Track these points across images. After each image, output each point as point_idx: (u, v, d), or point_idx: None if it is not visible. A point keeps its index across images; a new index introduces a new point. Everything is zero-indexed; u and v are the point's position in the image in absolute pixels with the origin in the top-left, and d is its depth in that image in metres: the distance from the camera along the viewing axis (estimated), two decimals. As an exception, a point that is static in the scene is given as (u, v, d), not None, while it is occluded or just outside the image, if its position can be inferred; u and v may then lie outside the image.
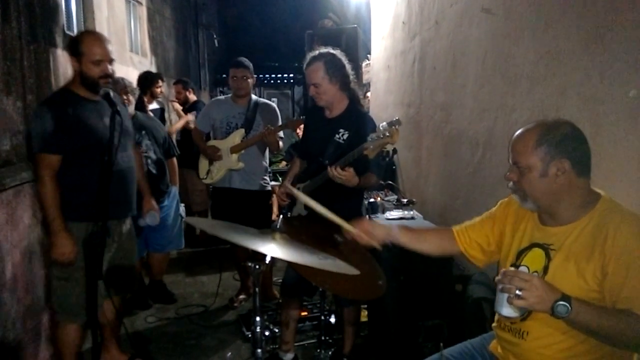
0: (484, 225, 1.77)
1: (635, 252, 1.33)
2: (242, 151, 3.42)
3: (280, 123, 3.53)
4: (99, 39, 2.41)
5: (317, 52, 2.60)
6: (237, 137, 3.42)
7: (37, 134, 2.30)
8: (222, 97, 3.74)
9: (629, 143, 1.74)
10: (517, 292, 1.29)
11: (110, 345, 2.80)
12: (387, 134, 2.09)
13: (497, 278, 1.35)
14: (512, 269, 1.43)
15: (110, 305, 2.58)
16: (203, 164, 3.63)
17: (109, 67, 2.39)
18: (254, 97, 3.56)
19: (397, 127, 2.09)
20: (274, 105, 3.66)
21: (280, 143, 3.51)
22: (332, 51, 2.60)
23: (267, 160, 3.70)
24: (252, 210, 3.34)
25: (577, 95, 2.01)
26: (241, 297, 3.74)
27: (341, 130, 2.54)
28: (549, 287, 1.31)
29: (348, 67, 2.62)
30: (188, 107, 5.23)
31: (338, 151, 2.47)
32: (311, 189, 2.60)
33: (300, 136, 4.31)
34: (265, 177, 3.61)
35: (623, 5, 1.76)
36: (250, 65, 3.49)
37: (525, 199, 1.51)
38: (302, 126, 4.20)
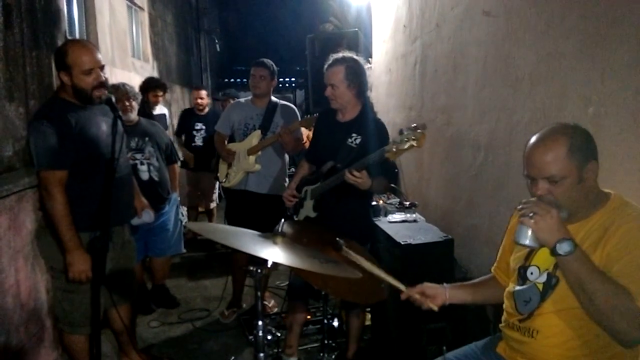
0: (504, 258, 1.77)
1: (636, 239, 1.35)
2: (259, 153, 3.39)
3: None
4: (86, 46, 2.27)
5: (341, 55, 2.62)
6: (254, 138, 3.40)
7: (42, 150, 2.18)
8: (243, 99, 3.70)
9: (630, 143, 1.74)
10: (531, 214, 1.32)
11: (128, 350, 2.79)
12: (413, 138, 2.09)
13: (518, 207, 1.39)
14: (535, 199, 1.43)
15: (119, 312, 2.54)
16: (222, 167, 3.63)
17: (102, 74, 2.27)
18: (274, 99, 3.54)
19: (423, 131, 2.10)
20: (294, 106, 3.62)
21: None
22: (355, 57, 2.62)
23: (287, 164, 3.65)
24: (265, 215, 3.30)
25: (577, 97, 2.01)
26: (232, 309, 3.65)
27: (354, 134, 2.56)
28: (563, 226, 1.33)
29: (367, 75, 2.64)
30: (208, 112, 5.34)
31: (351, 155, 2.48)
32: (322, 192, 2.61)
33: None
34: (284, 181, 3.56)
35: (623, 7, 1.76)
36: (272, 66, 3.45)
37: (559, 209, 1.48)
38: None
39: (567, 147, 1.40)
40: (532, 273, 1.56)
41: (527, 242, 1.38)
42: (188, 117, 5.32)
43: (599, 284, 1.28)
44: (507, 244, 1.77)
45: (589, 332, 1.42)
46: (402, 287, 1.76)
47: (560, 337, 1.47)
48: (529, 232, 1.37)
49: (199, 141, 5.17)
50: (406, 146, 2.12)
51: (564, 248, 1.29)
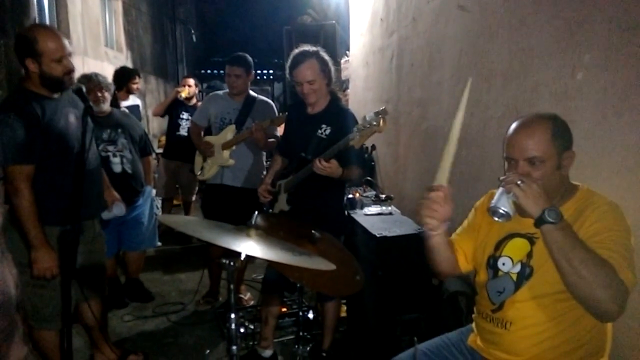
0: (468, 235, 1.76)
1: (609, 222, 1.39)
2: (234, 147, 3.37)
3: None
4: (54, 33, 2.20)
5: (303, 49, 2.57)
6: (228, 133, 3.38)
7: (9, 145, 2.11)
8: (221, 92, 3.65)
9: (599, 138, 1.78)
10: (519, 182, 1.35)
11: (101, 344, 2.75)
12: (375, 123, 2.10)
13: (502, 178, 1.42)
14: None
15: (90, 306, 2.50)
16: (198, 160, 3.61)
17: (70, 61, 2.22)
18: (252, 93, 3.51)
19: (384, 116, 2.10)
20: (272, 102, 3.60)
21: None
22: (316, 48, 2.59)
23: (264, 158, 3.63)
24: (242, 208, 3.26)
25: (549, 92, 2.05)
26: (208, 299, 3.67)
27: (323, 125, 2.56)
28: (547, 197, 1.36)
29: (331, 63, 2.63)
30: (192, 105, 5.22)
31: (321, 146, 2.48)
32: (294, 184, 2.61)
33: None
34: (261, 175, 3.53)
35: (593, 5, 1.80)
36: (248, 62, 3.40)
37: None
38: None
39: (551, 131, 1.45)
40: (504, 264, 1.58)
41: (506, 209, 1.39)
42: (175, 105, 5.21)
43: (583, 252, 1.29)
44: (473, 224, 1.74)
45: (561, 323, 1.46)
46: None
47: (533, 329, 1.50)
48: (510, 200, 1.39)
49: (183, 131, 5.06)
50: (367, 132, 2.14)
51: (551, 215, 1.31)
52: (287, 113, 2.98)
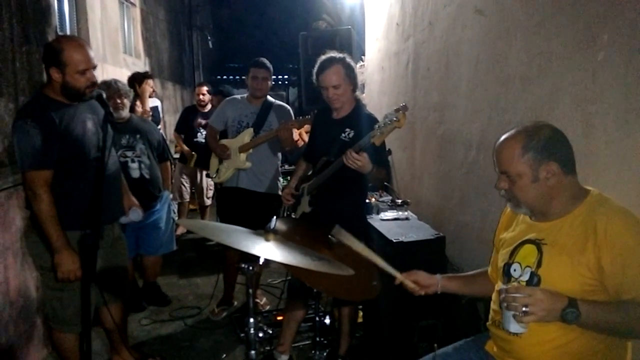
0: (496, 248, 1.78)
1: (629, 243, 1.36)
2: (251, 150, 3.39)
3: None
4: (81, 45, 2.23)
5: (329, 55, 2.60)
6: (246, 136, 3.40)
7: (27, 151, 2.14)
8: (239, 96, 3.68)
9: (620, 142, 1.76)
10: (524, 309, 1.30)
11: (120, 348, 2.77)
12: (395, 119, 2.14)
13: (501, 297, 1.37)
14: (514, 284, 1.47)
15: (110, 310, 2.52)
16: (213, 162, 3.63)
17: (94, 74, 2.25)
18: (269, 98, 3.54)
19: (404, 111, 2.14)
20: (288, 107, 3.63)
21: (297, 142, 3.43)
22: (342, 54, 2.62)
23: (280, 162, 3.66)
24: (258, 212, 3.28)
25: (569, 96, 2.03)
26: (223, 307, 3.65)
27: (347, 129, 2.58)
28: (553, 295, 1.32)
29: (356, 69, 2.65)
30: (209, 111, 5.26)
31: (344, 149, 2.48)
32: (316, 185, 2.63)
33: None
34: (278, 180, 3.56)
35: (614, 7, 1.78)
36: (271, 67, 3.46)
37: (518, 205, 1.54)
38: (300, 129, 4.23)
39: (521, 146, 1.46)
40: (515, 270, 1.58)
41: (523, 329, 1.38)
42: (191, 115, 5.27)
43: (615, 317, 1.33)
44: (497, 242, 1.78)
45: (573, 331, 1.43)
46: (396, 274, 1.79)
47: (543, 336, 1.48)
48: (520, 322, 1.35)
49: (200, 137, 5.14)
50: (388, 128, 2.17)
51: (570, 318, 1.31)
52: (315, 112, 3.00)
